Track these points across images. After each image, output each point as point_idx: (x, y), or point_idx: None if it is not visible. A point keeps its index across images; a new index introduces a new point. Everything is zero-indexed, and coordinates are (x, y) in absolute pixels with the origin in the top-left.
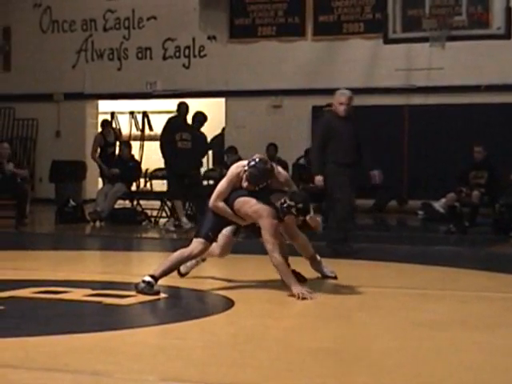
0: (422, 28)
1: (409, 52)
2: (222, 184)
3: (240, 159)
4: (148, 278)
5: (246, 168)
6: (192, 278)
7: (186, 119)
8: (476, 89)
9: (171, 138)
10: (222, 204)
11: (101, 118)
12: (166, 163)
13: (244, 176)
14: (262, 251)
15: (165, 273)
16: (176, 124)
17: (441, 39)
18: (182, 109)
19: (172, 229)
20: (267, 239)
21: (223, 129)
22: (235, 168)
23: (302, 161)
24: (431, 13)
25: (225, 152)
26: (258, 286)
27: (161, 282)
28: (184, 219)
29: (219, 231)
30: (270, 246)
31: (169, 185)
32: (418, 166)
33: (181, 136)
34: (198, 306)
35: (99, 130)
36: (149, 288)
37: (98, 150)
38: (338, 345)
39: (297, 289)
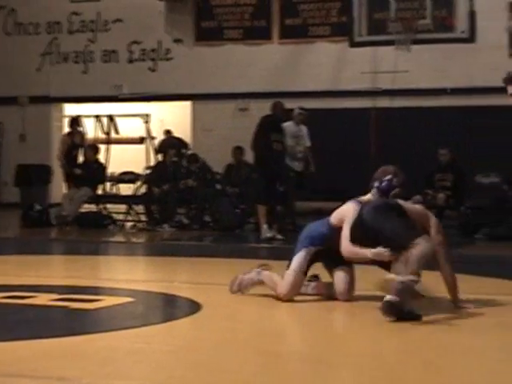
0: (388, 31)
1: (374, 55)
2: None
3: (203, 166)
4: None
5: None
6: (160, 281)
7: (281, 120)
8: (441, 92)
9: (266, 138)
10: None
11: (66, 121)
12: (258, 163)
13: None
14: (230, 255)
15: None
16: (271, 124)
17: (406, 42)
18: (279, 107)
19: (270, 235)
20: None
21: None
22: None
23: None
24: (397, 16)
25: (187, 161)
26: (226, 290)
27: (128, 285)
28: (265, 226)
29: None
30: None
31: (259, 187)
32: None
33: (276, 137)
34: (165, 310)
35: (65, 130)
36: None
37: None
38: (307, 348)
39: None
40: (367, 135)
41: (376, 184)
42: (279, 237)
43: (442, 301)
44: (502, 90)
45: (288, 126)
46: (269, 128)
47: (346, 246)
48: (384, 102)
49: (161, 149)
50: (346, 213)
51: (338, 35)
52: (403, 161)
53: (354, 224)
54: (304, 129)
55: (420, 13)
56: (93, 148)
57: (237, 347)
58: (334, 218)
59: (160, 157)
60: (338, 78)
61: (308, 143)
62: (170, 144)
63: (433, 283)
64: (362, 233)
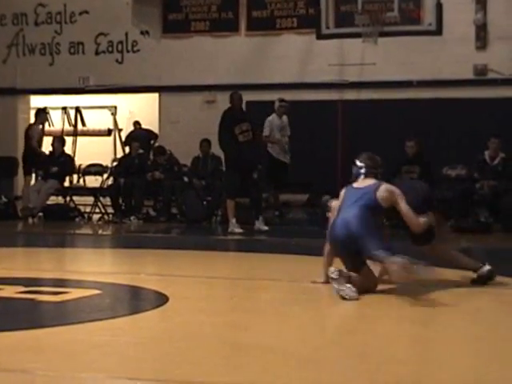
0: (355, 24)
1: (342, 47)
2: None
3: (170, 158)
4: None
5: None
6: (126, 274)
7: (242, 109)
8: (408, 84)
9: (229, 132)
10: None
11: (32, 113)
12: (226, 158)
13: None
14: (197, 247)
15: None
16: (232, 117)
17: (373, 35)
18: (236, 98)
19: (238, 231)
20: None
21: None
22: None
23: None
24: (364, 9)
25: (154, 153)
26: (193, 282)
27: (95, 277)
28: (233, 221)
29: None
30: None
31: (227, 182)
32: (352, 161)
33: (241, 128)
34: (131, 302)
35: (31, 121)
36: None
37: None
38: (273, 340)
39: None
40: (334, 127)
41: (380, 170)
42: (240, 230)
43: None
44: (468, 83)
45: (272, 119)
46: (230, 121)
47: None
48: (351, 95)
49: (127, 141)
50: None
51: (305, 27)
52: (371, 152)
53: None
54: (285, 119)
55: (387, 5)
56: (60, 140)
57: (204, 339)
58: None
59: (127, 149)
60: (305, 70)
61: (288, 133)
62: (136, 136)
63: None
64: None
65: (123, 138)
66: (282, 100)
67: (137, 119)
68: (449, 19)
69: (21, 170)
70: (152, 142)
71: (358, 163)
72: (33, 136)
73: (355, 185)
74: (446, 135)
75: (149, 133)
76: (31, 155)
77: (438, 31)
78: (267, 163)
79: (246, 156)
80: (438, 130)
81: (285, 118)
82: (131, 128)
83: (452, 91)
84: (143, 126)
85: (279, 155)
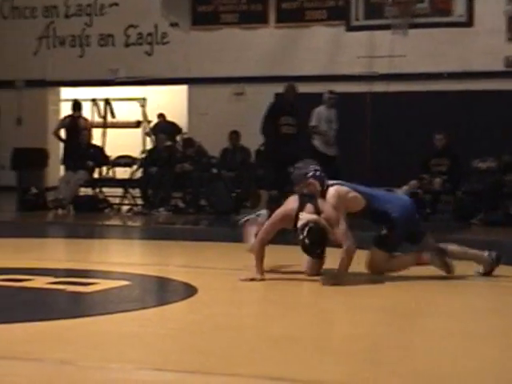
0: (385, 15)
1: (371, 39)
2: None
3: (199, 150)
4: None
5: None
6: (155, 265)
7: (292, 102)
8: (438, 76)
9: (274, 122)
10: None
11: (63, 105)
12: (266, 149)
13: None
14: (226, 239)
15: None
16: (281, 107)
17: (403, 27)
18: (289, 90)
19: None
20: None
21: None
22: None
23: (263, 147)
24: (393, 0)
25: (183, 145)
26: (222, 274)
27: (124, 269)
28: (264, 212)
29: None
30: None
31: (267, 174)
32: (381, 154)
33: (286, 120)
34: (160, 294)
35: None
36: None
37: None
38: (301, 332)
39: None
40: (363, 120)
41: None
42: None
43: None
44: (499, 75)
45: (320, 110)
46: (277, 111)
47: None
48: (380, 87)
49: (151, 132)
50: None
51: (334, 19)
52: (399, 146)
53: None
54: (334, 112)
55: None
56: (89, 132)
57: (232, 331)
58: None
59: (152, 141)
60: (334, 63)
61: (336, 126)
62: (161, 129)
63: None
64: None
65: (147, 130)
66: (331, 92)
67: (161, 111)
68: (479, 10)
69: (51, 161)
70: (177, 136)
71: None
72: (85, 128)
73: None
74: (475, 127)
75: (173, 126)
76: (76, 147)
77: (469, 22)
78: (310, 156)
79: (285, 149)
80: (468, 123)
81: (333, 110)
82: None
83: (482, 83)
84: (168, 119)
85: (323, 148)
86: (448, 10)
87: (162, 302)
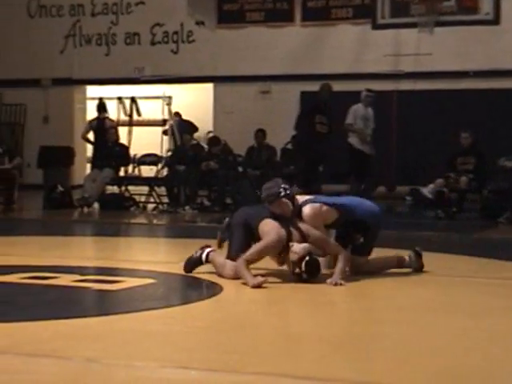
0: (411, 13)
1: (397, 37)
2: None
3: (225, 148)
4: None
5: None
6: (180, 263)
7: (326, 101)
8: (464, 74)
9: (309, 120)
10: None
11: (89, 103)
12: (299, 146)
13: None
14: None
15: None
16: (317, 105)
17: (429, 25)
18: (324, 89)
19: None
20: (256, 248)
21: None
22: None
23: (289, 146)
24: None
25: (208, 143)
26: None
27: (150, 267)
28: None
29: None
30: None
31: (299, 171)
32: (406, 152)
33: (320, 119)
34: (185, 292)
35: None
36: None
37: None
38: (324, 330)
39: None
40: (389, 118)
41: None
42: None
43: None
44: None
45: (357, 108)
46: (313, 109)
47: None
48: (406, 85)
49: (167, 131)
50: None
51: (360, 17)
52: (425, 144)
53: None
54: (371, 111)
55: None
56: (115, 131)
57: (257, 329)
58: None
59: (170, 139)
60: (360, 61)
61: (373, 125)
62: (177, 127)
63: None
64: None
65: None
66: (368, 90)
67: (177, 110)
68: (506, 8)
69: (77, 160)
70: (193, 134)
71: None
72: (114, 127)
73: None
74: (501, 126)
75: (190, 124)
76: (103, 146)
77: (495, 21)
78: (347, 154)
79: (317, 147)
80: (494, 121)
81: (370, 109)
82: (185, 118)
83: (509, 81)
84: (183, 118)
85: (360, 146)
86: (475, 8)
87: (187, 300)
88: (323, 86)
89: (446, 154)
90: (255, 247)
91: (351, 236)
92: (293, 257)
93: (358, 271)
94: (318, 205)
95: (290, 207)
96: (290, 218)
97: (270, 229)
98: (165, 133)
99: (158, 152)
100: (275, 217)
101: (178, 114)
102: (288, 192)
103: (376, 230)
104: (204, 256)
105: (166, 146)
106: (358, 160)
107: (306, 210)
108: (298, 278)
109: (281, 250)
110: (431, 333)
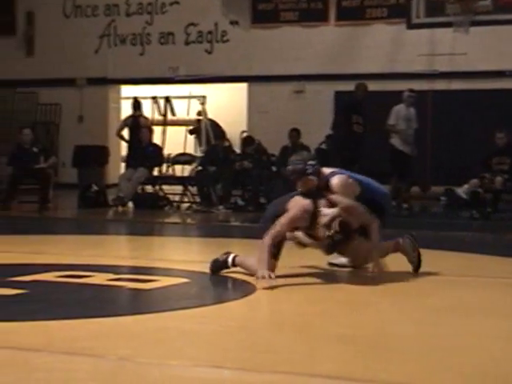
0: (446, 13)
1: (432, 37)
2: None
3: (259, 148)
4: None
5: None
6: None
7: (361, 101)
8: (499, 74)
9: (346, 120)
10: None
11: (123, 103)
12: (336, 146)
13: None
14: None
15: None
16: (354, 105)
17: (464, 24)
18: (360, 89)
19: None
20: (279, 222)
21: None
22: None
23: (323, 146)
24: None
25: (242, 143)
26: (279, 272)
27: (184, 266)
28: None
29: None
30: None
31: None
32: (441, 152)
33: (357, 118)
34: (219, 291)
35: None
36: None
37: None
38: (359, 330)
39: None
40: (424, 118)
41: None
42: None
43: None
44: None
45: (399, 108)
46: (350, 109)
47: None
48: (441, 85)
49: (195, 131)
50: None
51: (395, 17)
52: (460, 144)
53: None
54: (413, 111)
55: None
56: (149, 130)
57: (290, 329)
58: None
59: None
60: (395, 61)
61: (415, 125)
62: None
63: None
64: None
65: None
66: (411, 90)
67: (199, 109)
68: None
69: (111, 159)
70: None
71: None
72: (146, 126)
73: None
74: None
75: (214, 124)
76: (137, 145)
77: None
78: (389, 155)
79: (353, 146)
80: None
81: (412, 109)
82: (219, 117)
83: None
84: (210, 117)
85: (402, 146)
86: (511, 7)
87: (220, 299)
88: (359, 86)
89: (481, 154)
90: (279, 220)
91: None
92: (324, 219)
93: (366, 261)
94: (345, 176)
95: (315, 182)
96: (317, 192)
97: (294, 204)
98: (191, 132)
99: (192, 151)
100: (302, 193)
101: (201, 114)
102: (314, 169)
103: (388, 213)
104: (230, 260)
105: (192, 145)
106: (399, 161)
107: (335, 180)
108: (331, 241)
109: (309, 223)
110: (465, 334)
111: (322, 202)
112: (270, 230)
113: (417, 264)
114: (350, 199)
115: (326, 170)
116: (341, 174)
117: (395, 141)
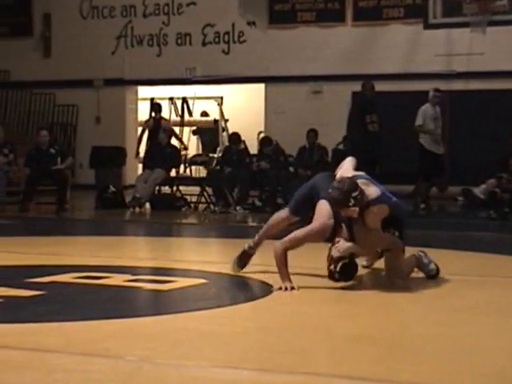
0: (463, 13)
1: (449, 37)
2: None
3: (276, 148)
4: None
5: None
6: (231, 263)
7: (371, 99)
8: None
9: (361, 119)
10: None
11: (140, 103)
12: (352, 147)
13: None
14: None
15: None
16: (365, 105)
17: (481, 24)
18: (368, 88)
19: None
20: (296, 235)
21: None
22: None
23: (341, 146)
24: None
25: (260, 144)
26: (299, 273)
27: (201, 267)
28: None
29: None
30: (288, 238)
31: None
32: (459, 152)
33: (371, 118)
34: (237, 292)
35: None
36: None
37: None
38: (378, 331)
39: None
40: (442, 118)
41: None
42: None
43: None
44: None
45: (426, 108)
46: (362, 109)
47: None
48: (458, 85)
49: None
50: None
51: (412, 17)
52: (477, 144)
53: None
54: (439, 110)
55: None
56: (166, 131)
57: (309, 329)
58: None
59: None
60: (412, 61)
61: (441, 124)
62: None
63: None
64: None
65: (229, 129)
66: (436, 90)
67: (204, 110)
68: None
69: (129, 160)
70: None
71: None
72: (166, 129)
73: None
74: None
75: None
76: (156, 147)
77: None
78: (418, 155)
79: (370, 147)
80: None
81: (438, 108)
82: (236, 118)
83: None
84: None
85: (431, 146)
86: None
87: (238, 300)
88: (365, 85)
89: (498, 154)
90: (296, 234)
91: (387, 230)
92: (334, 253)
93: (403, 273)
94: (385, 206)
95: (357, 211)
96: (351, 222)
97: (319, 216)
98: (194, 133)
99: (209, 152)
100: (335, 212)
101: (206, 115)
102: (357, 198)
103: (404, 224)
104: (246, 247)
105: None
106: (429, 160)
107: (374, 210)
108: (330, 275)
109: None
110: (488, 334)
111: (344, 230)
112: (285, 240)
113: (435, 273)
114: (375, 227)
115: (371, 192)
116: (382, 202)
117: (424, 141)
